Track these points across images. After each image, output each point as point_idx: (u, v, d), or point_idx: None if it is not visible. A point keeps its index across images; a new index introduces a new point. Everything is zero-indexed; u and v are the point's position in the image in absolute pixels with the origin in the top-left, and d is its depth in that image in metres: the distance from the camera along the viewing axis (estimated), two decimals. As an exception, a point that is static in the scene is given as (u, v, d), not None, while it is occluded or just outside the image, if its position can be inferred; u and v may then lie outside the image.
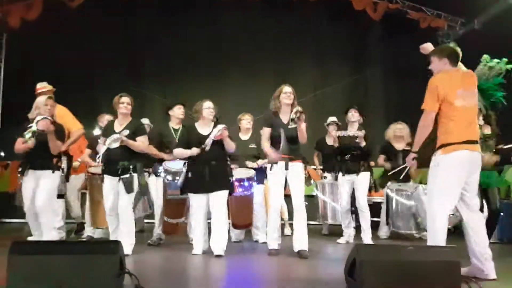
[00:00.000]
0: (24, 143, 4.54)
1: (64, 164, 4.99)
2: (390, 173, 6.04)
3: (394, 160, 6.28)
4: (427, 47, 4.05)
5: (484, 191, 4.95)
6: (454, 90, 3.53)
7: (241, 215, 5.41)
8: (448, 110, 3.52)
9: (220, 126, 4.68)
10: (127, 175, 4.59)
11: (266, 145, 4.81)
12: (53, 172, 4.73)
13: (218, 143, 4.72)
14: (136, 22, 9.01)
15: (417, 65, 8.49)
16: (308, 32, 9.31)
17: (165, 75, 9.05)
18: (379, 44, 9.28)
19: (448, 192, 3.50)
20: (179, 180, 4.88)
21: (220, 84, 8.95)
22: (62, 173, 4.87)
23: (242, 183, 5.28)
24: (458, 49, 3.78)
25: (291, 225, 6.46)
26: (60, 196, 4.94)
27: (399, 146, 6.41)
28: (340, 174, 5.80)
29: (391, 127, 6.57)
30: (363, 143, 5.59)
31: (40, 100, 4.79)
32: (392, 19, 8.81)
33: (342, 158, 5.76)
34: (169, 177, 5.04)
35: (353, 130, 5.66)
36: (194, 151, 4.70)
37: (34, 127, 4.47)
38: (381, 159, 6.50)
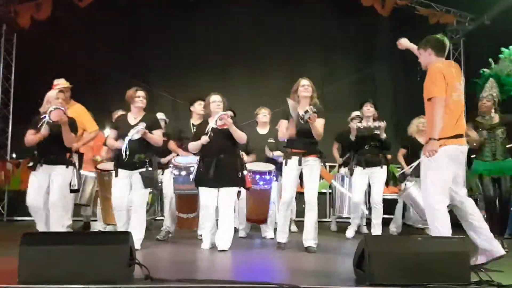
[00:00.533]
0: (37, 133, 4.50)
1: (75, 161, 4.95)
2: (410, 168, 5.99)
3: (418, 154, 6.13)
4: (404, 42, 4.04)
5: (497, 180, 4.96)
6: (454, 82, 3.53)
7: (257, 209, 5.39)
8: (446, 103, 3.48)
9: (220, 113, 4.60)
10: (144, 169, 4.56)
11: (281, 130, 4.76)
12: (67, 167, 4.70)
13: (226, 135, 4.65)
14: (144, 20, 9.04)
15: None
16: (316, 28, 9.28)
17: (173, 72, 9.08)
18: (387, 40, 9.21)
19: (442, 185, 3.51)
20: (192, 174, 4.88)
21: (228, 80, 8.96)
22: (74, 167, 4.82)
23: (263, 176, 5.27)
24: (445, 40, 3.72)
25: (296, 222, 6.50)
26: (75, 190, 4.85)
27: (423, 140, 6.26)
28: (359, 167, 5.70)
29: (414, 122, 6.37)
30: (384, 135, 5.54)
31: (52, 94, 4.74)
32: (401, 15, 8.75)
33: (360, 150, 5.68)
34: (176, 172, 5.01)
35: (369, 123, 5.62)
36: (203, 139, 4.68)
37: (47, 117, 4.42)
38: (401, 153, 6.34)
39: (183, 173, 4.94)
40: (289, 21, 9.07)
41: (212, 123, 4.62)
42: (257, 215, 5.49)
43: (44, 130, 4.50)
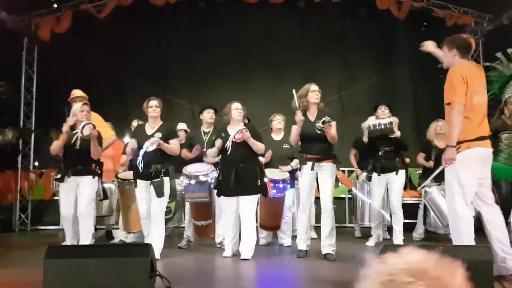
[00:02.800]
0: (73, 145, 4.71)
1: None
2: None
3: (438, 159, 6.00)
4: (428, 44, 3.94)
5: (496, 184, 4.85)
6: (474, 84, 3.43)
7: (271, 217, 5.41)
8: (466, 105, 3.39)
9: (238, 128, 4.67)
10: (158, 179, 4.61)
11: (292, 135, 4.77)
12: (93, 177, 4.87)
13: (245, 145, 4.70)
14: (162, 29, 9.14)
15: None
16: (332, 32, 9.24)
17: (192, 80, 9.13)
18: (405, 42, 9.14)
19: (467, 190, 3.43)
20: (202, 182, 4.95)
21: (246, 87, 8.98)
22: (100, 178, 5.00)
23: (276, 185, 5.27)
24: (471, 40, 3.61)
25: (316, 228, 6.47)
26: (104, 199, 5.11)
27: (441, 144, 5.96)
28: (375, 174, 5.58)
29: (432, 126, 6.22)
30: (398, 133, 5.43)
31: (76, 107, 4.94)
32: (418, 17, 8.68)
33: (375, 156, 5.56)
34: (186, 181, 5.07)
35: (380, 121, 5.52)
36: (218, 143, 4.71)
37: (79, 133, 4.65)
38: (420, 157, 6.21)
39: (193, 181, 5.02)
40: (306, 26, 9.06)
41: (231, 137, 4.67)
42: (271, 223, 5.51)
43: (65, 128, 4.74)
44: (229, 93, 8.17)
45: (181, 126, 6.36)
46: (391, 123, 5.43)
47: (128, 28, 8.70)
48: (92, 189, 4.87)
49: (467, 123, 3.41)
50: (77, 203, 4.84)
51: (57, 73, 8.26)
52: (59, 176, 4.91)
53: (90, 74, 8.07)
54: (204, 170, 5.05)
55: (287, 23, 9.09)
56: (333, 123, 4.54)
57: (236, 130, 4.67)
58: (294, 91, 4.73)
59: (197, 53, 9.05)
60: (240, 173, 4.68)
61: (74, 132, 4.75)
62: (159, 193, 4.62)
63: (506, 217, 4.92)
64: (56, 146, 4.85)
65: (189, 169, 5.19)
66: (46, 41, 8.25)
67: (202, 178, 5.01)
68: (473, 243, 3.38)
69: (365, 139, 5.61)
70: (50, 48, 8.36)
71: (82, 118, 4.82)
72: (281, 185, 5.29)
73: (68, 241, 4.95)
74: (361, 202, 6.56)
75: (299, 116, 4.61)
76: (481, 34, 8.82)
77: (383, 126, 5.46)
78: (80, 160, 4.81)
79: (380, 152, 5.53)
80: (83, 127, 4.61)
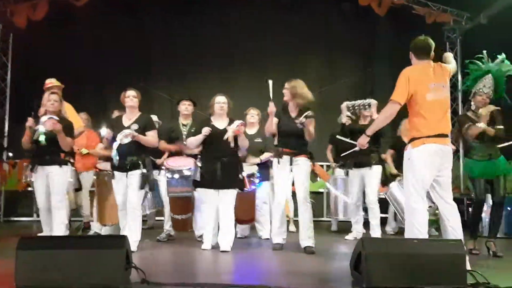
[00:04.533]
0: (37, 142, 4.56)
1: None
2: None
3: None
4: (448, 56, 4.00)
5: (489, 182, 4.89)
6: (426, 84, 3.55)
7: (243, 211, 5.39)
8: (419, 103, 3.53)
9: (238, 122, 4.70)
10: (140, 171, 4.56)
11: (267, 125, 4.83)
12: (60, 166, 4.72)
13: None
14: (143, 20, 9.02)
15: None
16: (315, 28, 9.23)
17: (173, 72, 9.04)
18: (385, 40, 9.23)
19: (421, 185, 3.52)
20: (185, 177, 4.89)
21: (228, 80, 8.89)
22: (72, 167, 4.90)
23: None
24: (425, 41, 3.72)
25: (295, 222, 6.50)
26: (77, 189, 4.97)
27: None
28: (351, 168, 5.66)
29: (402, 123, 6.25)
30: (375, 115, 5.39)
31: (45, 96, 4.82)
32: (398, 15, 8.75)
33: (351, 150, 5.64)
34: (169, 175, 5.01)
35: (365, 122, 5.55)
36: (205, 130, 4.67)
37: (41, 128, 4.50)
38: (389, 154, 6.28)
39: (176, 176, 4.94)
40: (289, 21, 9.05)
41: (230, 131, 4.66)
42: (244, 216, 5.51)
43: (29, 123, 4.59)
44: (210, 86, 8.13)
45: (153, 118, 6.26)
46: (369, 104, 5.46)
47: (107, 17, 8.55)
48: (62, 179, 4.73)
49: (420, 121, 3.55)
50: (51, 194, 4.72)
51: (33, 61, 8.08)
52: (30, 166, 4.80)
53: (67, 62, 7.91)
54: (188, 165, 4.95)
55: (270, 18, 9.07)
56: (313, 122, 4.66)
57: (221, 123, 4.70)
58: (270, 82, 4.72)
59: (178, 46, 8.97)
60: (224, 166, 4.69)
61: (35, 128, 4.58)
62: (143, 185, 4.58)
63: (480, 212, 5.04)
64: (24, 140, 4.75)
65: (172, 163, 5.11)
66: (22, 29, 8.04)
67: (186, 173, 4.92)
68: (426, 236, 3.46)
69: (344, 119, 5.60)
70: (26, 36, 8.15)
71: (49, 108, 4.69)
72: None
73: (45, 233, 4.84)
74: (335, 196, 6.62)
75: (271, 108, 4.68)
76: (459, 32, 8.96)
77: (361, 106, 5.50)
78: (48, 150, 4.65)
79: (356, 148, 5.56)
80: (44, 122, 4.48)
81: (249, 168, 5.44)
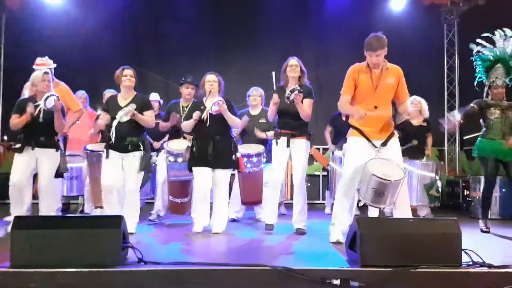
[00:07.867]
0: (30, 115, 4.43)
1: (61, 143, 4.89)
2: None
3: (411, 136, 6.00)
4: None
5: (504, 164, 5.02)
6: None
7: (251, 192, 5.38)
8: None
9: (215, 99, 4.59)
10: (141, 152, 4.50)
11: (269, 111, 4.81)
12: (56, 150, 4.66)
13: (221, 118, 4.65)
14: (136, 1, 8.90)
15: (421, 43, 8.48)
16: (312, 9, 9.11)
17: (165, 54, 8.94)
18: (383, 22, 9.14)
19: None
20: (182, 159, 4.86)
21: (223, 60, 8.76)
22: (62, 151, 4.79)
23: (250, 159, 5.23)
24: (371, 39, 4.09)
25: (287, 204, 6.51)
26: (60, 175, 4.76)
27: (415, 121, 6.10)
28: None
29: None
30: None
31: (37, 75, 4.60)
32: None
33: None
34: (171, 158, 4.96)
35: None
36: (195, 115, 4.61)
37: (42, 104, 4.37)
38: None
39: (180, 159, 4.89)
40: (284, 1, 8.92)
41: (208, 109, 4.59)
42: (252, 198, 5.48)
43: (31, 109, 4.42)
44: (204, 66, 8.02)
45: (154, 96, 6.21)
46: None
47: (100, -1, 8.40)
48: (53, 164, 4.62)
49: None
50: (38, 177, 4.61)
51: (26, 42, 7.96)
52: (18, 146, 4.57)
53: (60, 44, 7.79)
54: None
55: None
56: (307, 101, 4.57)
57: (213, 102, 4.60)
58: (273, 73, 4.67)
59: (171, 24, 8.81)
60: (216, 146, 4.64)
61: (36, 104, 4.45)
62: (145, 167, 4.53)
63: (490, 191, 5.14)
64: (18, 122, 4.52)
65: (172, 145, 5.03)
66: (15, 9, 7.92)
67: (188, 156, 4.81)
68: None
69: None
70: (19, 16, 8.04)
71: (43, 89, 4.53)
72: (255, 159, 5.26)
73: (15, 213, 4.42)
74: (335, 174, 6.53)
75: (275, 99, 4.62)
76: (456, 14, 8.89)
77: None
78: (43, 131, 4.54)
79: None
80: (46, 99, 4.34)
81: (255, 148, 5.39)
